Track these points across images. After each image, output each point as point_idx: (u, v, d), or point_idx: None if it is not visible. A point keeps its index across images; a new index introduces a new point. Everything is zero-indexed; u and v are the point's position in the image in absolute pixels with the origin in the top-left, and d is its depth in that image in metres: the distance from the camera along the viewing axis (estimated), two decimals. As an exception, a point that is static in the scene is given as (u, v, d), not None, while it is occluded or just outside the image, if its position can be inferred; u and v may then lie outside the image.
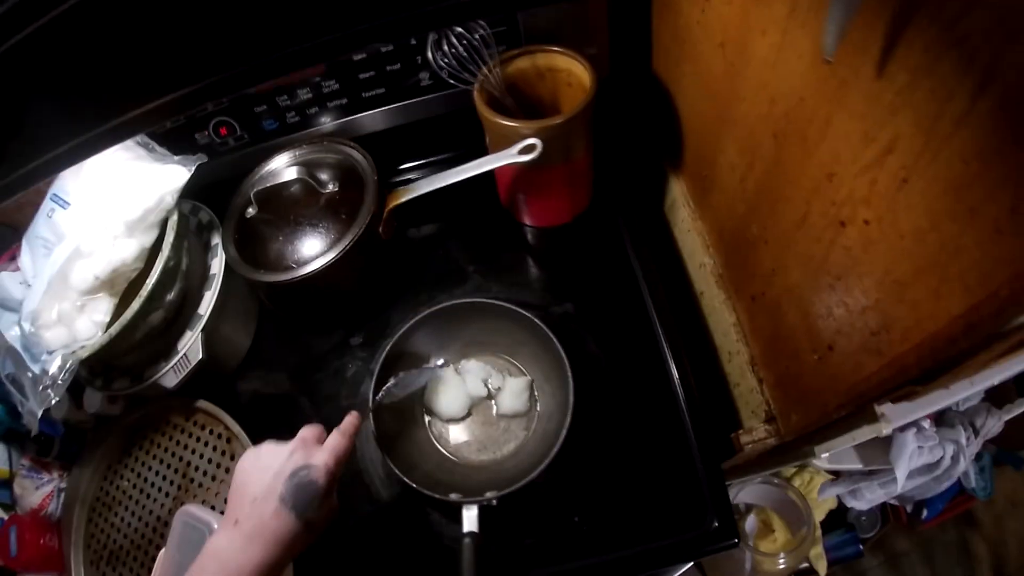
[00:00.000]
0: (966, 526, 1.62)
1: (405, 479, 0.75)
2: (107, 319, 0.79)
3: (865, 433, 0.68)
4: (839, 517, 1.49)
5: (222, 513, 0.79)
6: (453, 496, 0.74)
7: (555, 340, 0.79)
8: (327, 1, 0.38)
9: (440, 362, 0.85)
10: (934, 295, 0.48)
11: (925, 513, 1.47)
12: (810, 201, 0.61)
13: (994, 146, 0.39)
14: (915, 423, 0.86)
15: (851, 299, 0.59)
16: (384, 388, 0.79)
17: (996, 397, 1.01)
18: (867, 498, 1.03)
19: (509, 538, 0.79)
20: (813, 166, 0.59)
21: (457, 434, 0.85)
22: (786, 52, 0.59)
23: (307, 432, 0.66)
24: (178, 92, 0.47)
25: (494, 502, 0.73)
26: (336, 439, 0.65)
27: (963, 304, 0.46)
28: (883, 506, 1.53)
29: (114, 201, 0.80)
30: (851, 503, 1.08)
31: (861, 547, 1.47)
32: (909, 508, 1.49)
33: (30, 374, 0.78)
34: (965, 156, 0.42)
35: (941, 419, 0.96)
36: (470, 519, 0.73)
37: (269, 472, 0.61)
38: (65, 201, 0.81)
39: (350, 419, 0.69)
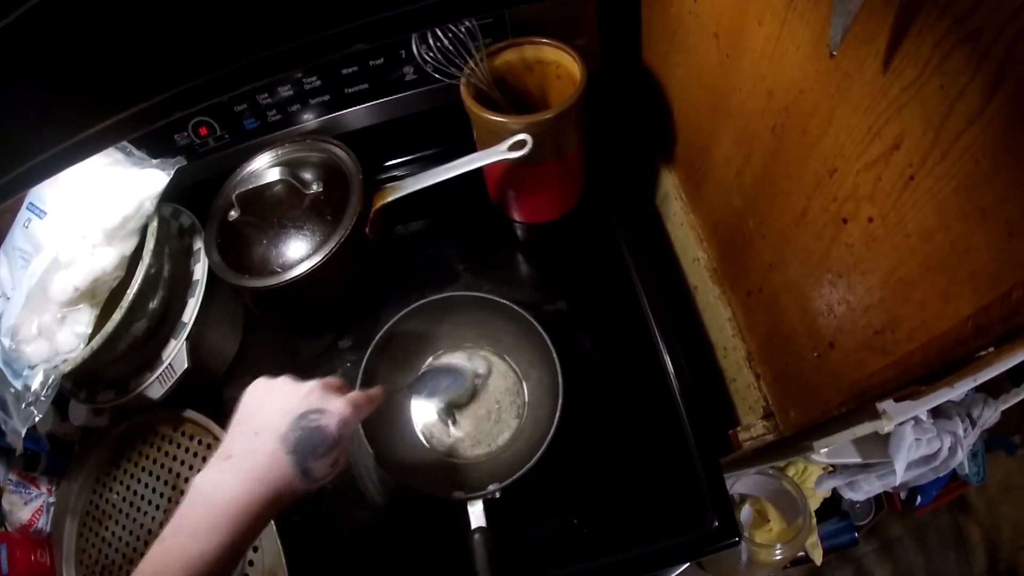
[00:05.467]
0: (959, 511, 1.64)
1: (407, 484, 0.73)
2: (89, 330, 0.77)
3: (865, 429, 0.67)
4: (833, 505, 1.50)
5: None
6: (456, 494, 0.72)
7: (527, 316, 0.78)
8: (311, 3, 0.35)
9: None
10: (942, 295, 0.47)
11: (919, 500, 1.48)
12: (811, 196, 0.60)
13: (1007, 146, 0.38)
14: (913, 416, 0.85)
15: (853, 297, 0.58)
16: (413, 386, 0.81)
17: (991, 387, 1.00)
18: (865, 490, 1.02)
19: (515, 533, 0.77)
20: (814, 161, 0.57)
21: (449, 431, 0.83)
22: (784, 43, 0.57)
23: (329, 379, 0.61)
24: (157, 98, 0.45)
25: (497, 494, 0.72)
26: (359, 394, 0.61)
27: (972, 305, 0.44)
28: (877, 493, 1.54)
29: (92, 209, 0.77)
30: (848, 495, 1.07)
31: (856, 535, 1.47)
32: (903, 495, 1.50)
33: (12, 390, 0.75)
34: (976, 155, 0.40)
35: (938, 411, 0.96)
36: (476, 515, 0.71)
37: (277, 408, 0.56)
38: (41, 210, 0.78)
39: (377, 388, 0.65)
